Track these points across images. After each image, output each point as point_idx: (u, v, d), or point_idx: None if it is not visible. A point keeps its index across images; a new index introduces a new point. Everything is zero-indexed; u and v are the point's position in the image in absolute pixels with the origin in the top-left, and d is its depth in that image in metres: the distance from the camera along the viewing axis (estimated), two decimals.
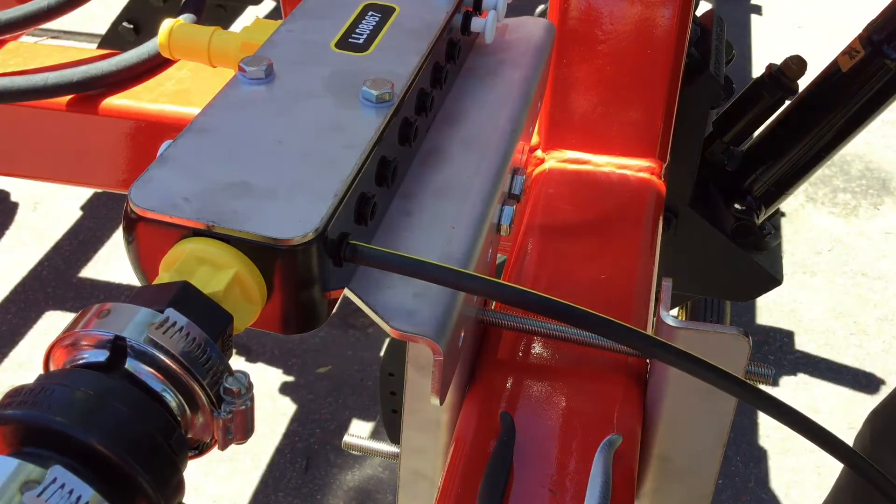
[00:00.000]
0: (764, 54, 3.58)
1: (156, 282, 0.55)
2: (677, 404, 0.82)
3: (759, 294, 1.44)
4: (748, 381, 0.80)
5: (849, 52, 1.32)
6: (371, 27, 0.75)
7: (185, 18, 1.27)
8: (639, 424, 0.85)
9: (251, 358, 2.41)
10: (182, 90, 1.26)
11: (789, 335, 2.50)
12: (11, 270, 2.65)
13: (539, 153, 1.12)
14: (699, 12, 1.48)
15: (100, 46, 2.14)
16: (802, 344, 2.48)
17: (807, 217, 2.85)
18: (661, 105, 1.05)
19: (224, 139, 0.62)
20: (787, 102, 1.43)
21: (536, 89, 0.84)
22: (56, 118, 1.25)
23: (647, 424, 0.86)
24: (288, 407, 2.30)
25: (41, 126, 1.28)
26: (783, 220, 2.76)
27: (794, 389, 2.39)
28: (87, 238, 2.77)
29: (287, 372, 2.38)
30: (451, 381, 0.69)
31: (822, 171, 2.58)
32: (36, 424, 0.45)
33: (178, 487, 0.49)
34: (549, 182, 1.08)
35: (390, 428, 1.83)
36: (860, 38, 1.32)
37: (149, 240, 0.56)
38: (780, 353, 2.49)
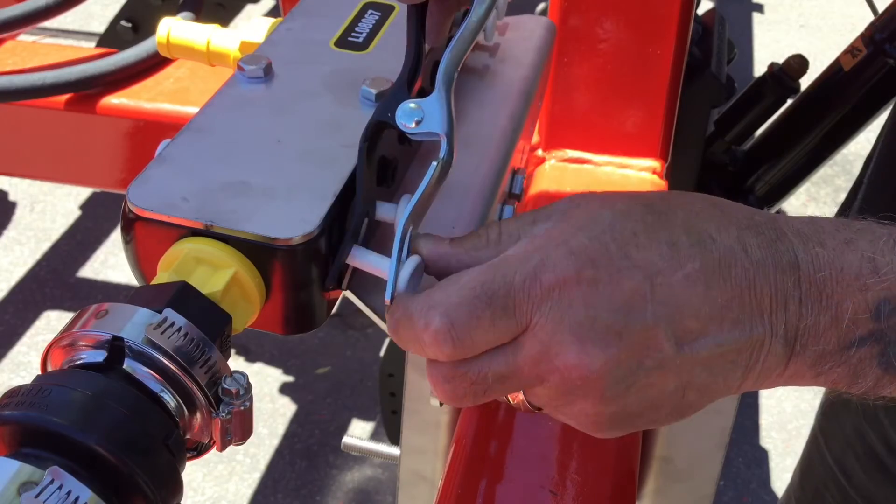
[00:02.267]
0: (766, 53, 3.58)
1: (154, 282, 0.54)
2: None
3: None
4: None
5: (851, 51, 1.33)
6: (371, 26, 0.75)
7: (183, 17, 1.27)
8: None
9: (250, 358, 2.41)
10: (180, 89, 1.26)
11: None
12: (9, 270, 2.65)
13: (540, 152, 1.11)
14: (701, 11, 1.48)
15: (98, 45, 2.14)
16: None
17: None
18: (662, 104, 1.05)
19: (222, 138, 0.61)
20: (789, 102, 1.43)
21: (537, 88, 0.83)
22: (54, 117, 1.25)
23: None
24: (287, 408, 2.29)
25: (39, 125, 1.28)
26: None
27: (796, 388, 2.39)
28: (85, 238, 2.77)
29: (286, 372, 2.38)
30: None
31: (825, 171, 2.57)
32: (33, 425, 0.45)
33: (177, 488, 0.48)
34: (550, 181, 1.07)
35: (390, 429, 1.83)
36: (862, 37, 1.32)
37: (147, 240, 0.56)
38: None
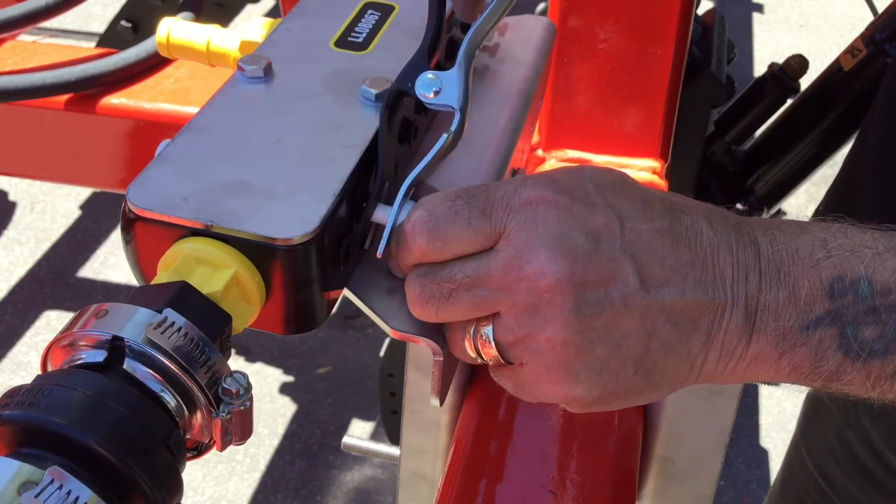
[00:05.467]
0: (766, 53, 3.59)
1: (154, 282, 0.54)
2: (679, 405, 0.82)
3: None
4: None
5: (851, 51, 1.33)
6: (370, 26, 0.75)
7: (183, 17, 1.27)
8: (640, 425, 0.84)
9: (250, 358, 2.41)
10: (180, 89, 1.26)
11: None
12: (9, 270, 2.65)
13: (540, 152, 1.11)
14: (701, 11, 1.48)
15: (98, 45, 2.14)
16: None
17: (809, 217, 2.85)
18: (662, 104, 1.05)
19: (222, 138, 0.61)
20: (789, 101, 1.43)
21: (537, 88, 0.83)
22: (54, 117, 1.25)
23: (649, 425, 0.85)
24: (287, 408, 2.29)
25: (39, 125, 1.28)
26: None
27: (796, 389, 2.38)
28: (85, 238, 2.77)
29: (286, 372, 2.38)
30: (451, 381, 0.69)
31: (825, 171, 2.57)
32: (33, 425, 0.45)
33: (177, 488, 0.48)
34: None
35: (390, 429, 1.83)
36: (862, 36, 1.32)
37: (147, 239, 0.56)
38: None
